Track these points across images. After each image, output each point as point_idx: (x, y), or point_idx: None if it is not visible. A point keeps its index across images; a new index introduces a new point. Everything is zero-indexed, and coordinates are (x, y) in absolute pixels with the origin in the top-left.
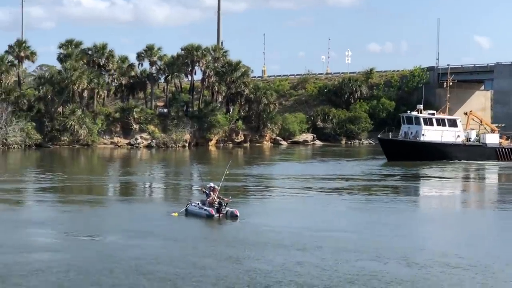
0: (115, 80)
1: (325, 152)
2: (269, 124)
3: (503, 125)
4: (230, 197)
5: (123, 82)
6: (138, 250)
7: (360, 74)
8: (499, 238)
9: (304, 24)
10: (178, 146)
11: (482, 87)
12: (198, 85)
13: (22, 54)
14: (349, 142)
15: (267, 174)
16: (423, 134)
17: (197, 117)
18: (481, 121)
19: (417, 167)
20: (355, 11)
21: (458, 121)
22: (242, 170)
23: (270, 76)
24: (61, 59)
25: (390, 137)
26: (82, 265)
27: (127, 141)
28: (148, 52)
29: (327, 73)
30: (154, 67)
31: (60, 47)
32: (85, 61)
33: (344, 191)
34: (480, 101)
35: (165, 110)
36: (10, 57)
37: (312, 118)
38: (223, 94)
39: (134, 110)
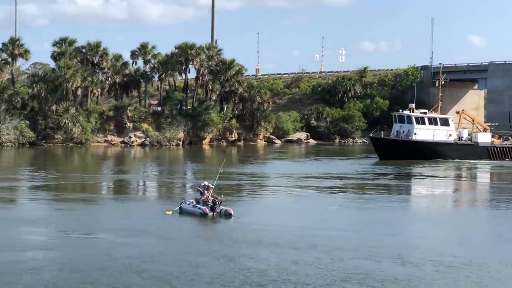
0: (109, 78)
1: (319, 151)
2: (263, 123)
3: (496, 124)
4: (223, 196)
5: (117, 80)
6: (132, 249)
7: (354, 73)
8: (492, 237)
9: (298, 23)
10: (172, 145)
11: (476, 86)
12: (192, 84)
13: (15, 52)
14: (342, 141)
15: (260, 172)
16: (415, 133)
17: (191, 116)
18: (473, 120)
19: (409, 166)
20: (349, 10)
21: (450, 120)
22: (235, 169)
23: (264, 75)
24: (55, 57)
25: (382, 136)
26: (76, 264)
27: (121, 139)
28: (142, 50)
29: (321, 72)
30: (148, 65)
31: (54, 45)
32: (79, 59)
33: (338, 189)
34: (473, 100)
35: (159, 109)
36: (4, 55)
37: (306, 117)
38: (217, 92)
39: (128, 108)
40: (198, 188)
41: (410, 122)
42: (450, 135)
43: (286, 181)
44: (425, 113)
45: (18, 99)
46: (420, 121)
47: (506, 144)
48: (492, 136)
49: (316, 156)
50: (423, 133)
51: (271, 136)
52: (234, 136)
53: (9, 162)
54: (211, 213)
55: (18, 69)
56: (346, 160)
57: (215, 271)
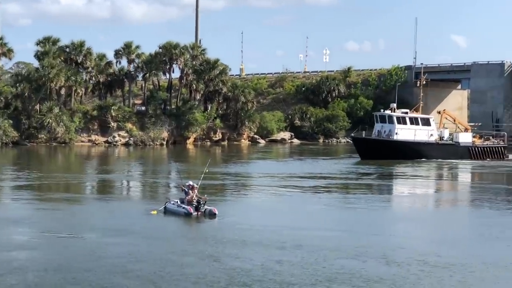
0: (93, 78)
1: (303, 150)
2: (247, 123)
3: (479, 124)
4: (206, 195)
5: (101, 80)
6: (117, 248)
7: (338, 72)
8: (475, 237)
9: (282, 23)
10: (156, 144)
11: (459, 86)
12: (176, 83)
13: None
14: (326, 141)
15: (244, 172)
16: (396, 133)
17: (175, 115)
18: (454, 120)
19: (390, 166)
20: (333, 9)
21: (431, 120)
22: (219, 169)
23: (248, 75)
24: (39, 56)
25: (364, 136)
26: (60, 264)
27: (104, 139)
28: (126, 49)
29: (305, 72)
30: (132, 65)
31: (37, 44)
32: (62, 58)
33: (322, 189)
34: (457, 100)
35: (143, 108)
36: None
37: (290, 117)
38: (201, 92)
39: (112, 108)
40: (183, 187)
41: (391, 122)
42: (432, 135)
43: (270, 181)
44: (406, 113)
45: (2, 98)
46: (402, 121)
47: (487, 144)
48: (473, 136)
49: (300, 156)
50: (404, 133)
51: (255, 136)
52: (218, 135)
53: None
54: (196, 213)
55: (1, 68)
56: (330, 160)
57: (200, 271)
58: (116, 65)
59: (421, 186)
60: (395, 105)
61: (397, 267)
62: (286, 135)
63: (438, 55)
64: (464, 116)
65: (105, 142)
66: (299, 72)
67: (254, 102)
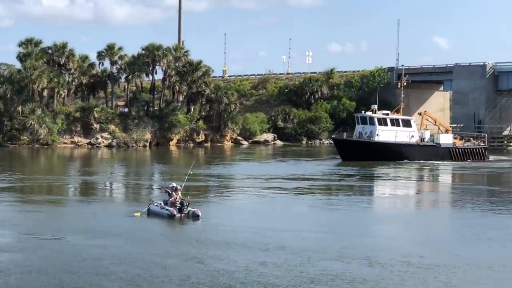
0: (76, 79)
1: (286, 152)
2: (230, 124)
3: (461, 125)
4: (188, 197)
5: (84, 81)
6: (100, 250)
7: (320, 74)
8: (458, 237)
9: (265, 24)
10: (139, 146)
11: (441, 88)
12: (159, 85)
13: None
14: (309, 142)
15: (227, 174)
16: (377, 134)
17: (158, 117)
18: (435, 121)
19: (372, 167)
20: (316, 11)
21: (412, 121)
22: (203, 170)
23: (231, 76)
24: (21, 58)
25: (345, 137)
26: (43, 266)
27: (87, 140)
28: (109, 51)
29: (287, 73)
30: (115, 67)
31: (19, 46)
32: (45, 60)
33: (304, 190)
34: (439, 101)
35: (126, 110)
36: None
37: (273, 118)
38: (184, 93)
39: (95, 109)
40: (166, 189)
41: (372, 123)
42: (412, 136)
43: (253, 183)
44: (387, 114)
45: None
46: (382, 122)
47: (467, 145)
48: (454, 138)
49: (282, 157)
50: (385, 134)
51: (238, 137)
52: (201, 137)
53: None
54: (179, 215)
55: None
56: (313, 161)
57: (184, 273)
58: (99, 67)
59: (403, 187)
60: (376, 106)
61: (380, 268)
62: (269, 136)
63: (421, 57)
64: (446, 117)
65: (88, 143)
66: (282, 74)
67: (237, 104)
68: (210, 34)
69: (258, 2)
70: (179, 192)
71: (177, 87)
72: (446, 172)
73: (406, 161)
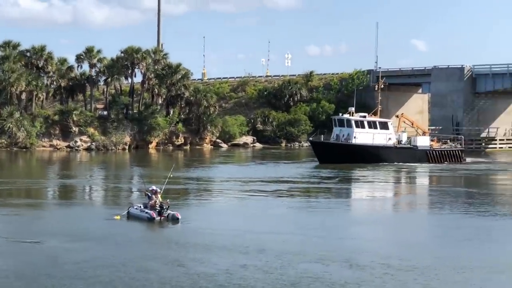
0: (54, 82)
1: (265, 154)
2: (209, 127)
3: (440, 127)
4: (168, 200)
5: (62, 84)
6: (80, 254)
7: (300, 77)
8: (437, 239)
9: (244, 27)
10: (118, 149)
11: (420, 90)
12: (138, 88)
13: None
14: (289, 145)
15: (207, 177)
16: (354, 137)
17: (137, 120)
18: (412, 124)
19: (350, 170)
20: (295, 14)
21: (389, 124)
22: (182, 173)
23: (210, 79)
24: None
25: (322, 139)
26: (22, 270)
27: (66, 143)
28: (88, 54)
29: (267, 76)
30: (93, 69)
31: None
32: (23, 63)
33: (284, 193)
34: (417, 104)
35: (105, 113)
36: None
37: (252, 121)
38: (163, 96)
39: (74, 112)
40: (146, 192)
41: (349, 125)
42: (390, 138)
43: (233, 185)
44: (364, 116)
45: None
46: (360, 124)
47: (444, 148)
48: (431, 140)
49: (262, 160)
50: (362, 136)
51: (218, 140)
52: (181, 140)
53: None
54: (159, 218)
55: None
56: (291, 164)
57: (164, 276)
58: (78, 70)
59: (381, 190)
60: (353, 109)
61: (360, 270)
62: (248, 139)
63: (400, 60)
64: (425, 119)
65: (66, 147)
66: (261, 76)
67: (216, 107)
68: (189, 37)
69: (237, 4)
70: (159, 195)
71: (156, 90)
72: (423, 174)
73: (383, 163)
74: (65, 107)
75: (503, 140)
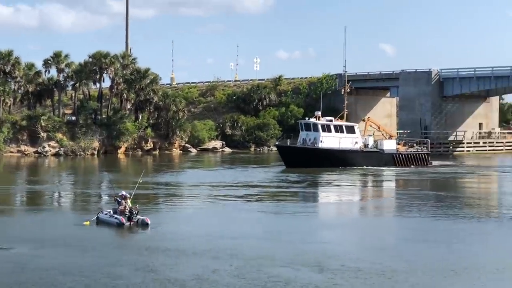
0: (22, 87)
1: (234, 159)
2: (178, 132)
3: (408, 131)
4: (137, 205)
5: (30, 90)
6: (49, 261)
7: (268, 81)
8: (406, 242)
9: (212, 31)
10: (87, 154)
11: (388, 94)
12: (107, 93)
13: None
14: (258, 149)
15: (176, 181)
16: (321, 141)
17: (106, 125)
18: (378, 128)
19: (317, 174)
20: (263, 18)
21: (356, 128)
22: (151, 178)
23: (179, 83)
24: None
25: (288, 144)
26: None
27: (34, 149)
28: (56, 59)
29: (235, 80)
30: (61, 74)
31: None
32: None
33: (253, 197)
34: (386, 107)
35: (73, 118)
36: None
37: (221, 125)
38: (132, 101)
39: (42, 118)
40: (115, 197)
41: (316, 129)
42: (356, 142)
43: (202, 190)
44: (331, 120)
45: None
46: (326, 128)
47: (411, 151)
48: (398, 143)
49: (231, 164)
50: (329, 140)
51: (187, 145)
52: (150, 145)
53: None
54: (128, 223)
55: None
56: (260, 168)
57: (134, 282)
58: (45, 75)
59: (349, 194)
60: (319, 113)
61: (331, 274)
62: (217, 143)
63: (368, 64)
64: (393, 123)
65: (35, 152)
66: (230, 81)
67: (185, 111)
68: (158, 42)
69: (205, 9)
70: (129, 201)
71: (125, 95)
72: (390, 177)
73: (350, 167)
74: (33, 113)
75: (470, 143)
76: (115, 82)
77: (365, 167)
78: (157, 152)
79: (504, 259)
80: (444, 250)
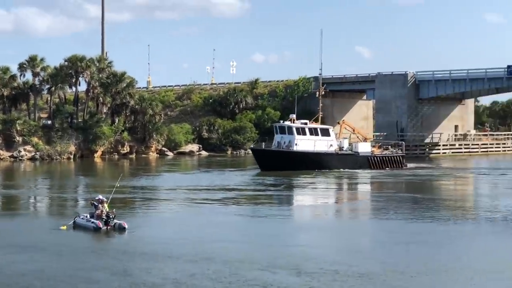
0: None
1: (211, 162)
2: (154, 135)
3: (385, 133)
4: (114, 210)
5: (5, 94)
6: (25, 266)
7: (245, 84)
8: (382, 245)
9: (188, 35)
10: (63, 158)
11: (365, 97)
12: (83, 97)
13: None
14: (235, 152)
15: (153, 185)
16: (296, 144)
17: (82, 129)
18: (353, 130)
19: (292, 177)
20: (239, 22)
21: (330, 130)
22: (128, 182)
23: (155, 87)
24: None
25: (263, 147)
26: None
27: (9, 153)
28: (31, 62)
29: (212, 84)
30: (37, 78)
31: None
32: None
33: (230, 201)
34: (362, 110)
35: (49, 122)
36: None
37: (198, 129)
38: (108, 105)
39: (17, 122)
40: (92, 202)
41: (291, 132)
42: (331, 145)
43: (179, 194)
44: (305, 123)
45: None
46: (301, 131)
47: (385, 154)
48: (372, 146)
49: (207, 168)
50: (304, 143)
51: (163, 148)
52: (126, 148)
53: None
54: (105, 227)
55: None
56: (236, 171)
57: (111, 287)
58: (21, 79)
59: (325, 196)
60: (294, 116)
61: (309, 277)
62: (194, 147)
63: (345, 66)
64: (370, 126)
65: (10, 157)
66: (206, 84)
67: (162, 115)
68: (134, 45)
69: (181, 12)
70: (105, 205)
71: (101, 98)
72: (365, 180)
73: (325, 170)
74: (8, 117)
75: (446, 145)
76: (91, 85)
77: (340, 169)
78: (133, 155)
79: (480, 260)
80: (421, 252)
